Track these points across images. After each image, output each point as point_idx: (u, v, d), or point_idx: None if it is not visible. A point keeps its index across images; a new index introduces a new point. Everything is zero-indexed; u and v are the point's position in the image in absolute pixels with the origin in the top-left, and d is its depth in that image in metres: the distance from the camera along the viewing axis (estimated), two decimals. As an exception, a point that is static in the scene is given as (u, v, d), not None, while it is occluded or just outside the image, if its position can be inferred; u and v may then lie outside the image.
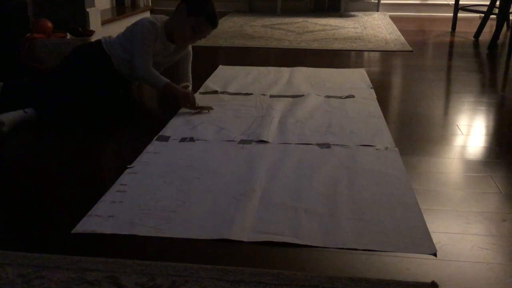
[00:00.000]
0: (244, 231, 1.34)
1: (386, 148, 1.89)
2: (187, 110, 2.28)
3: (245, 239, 1.31)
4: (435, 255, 1.25)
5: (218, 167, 1.74)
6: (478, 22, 4.19)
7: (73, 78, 2.31)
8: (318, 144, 1.92)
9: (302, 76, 2.92)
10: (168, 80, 2.31)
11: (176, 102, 2.32)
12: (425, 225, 1.37)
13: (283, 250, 1.28)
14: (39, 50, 3.00)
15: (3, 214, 1.47)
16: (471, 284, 1.15)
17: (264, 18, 5.17)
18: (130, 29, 2.37)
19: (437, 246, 1.28)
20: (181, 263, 1.20)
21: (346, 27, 4.66)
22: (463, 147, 1.97)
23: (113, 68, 2.38)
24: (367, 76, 2.93)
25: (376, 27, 4.67)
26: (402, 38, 4.14)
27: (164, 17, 2.40)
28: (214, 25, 2.34)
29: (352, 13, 5.53)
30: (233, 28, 4.58)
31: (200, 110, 2.28)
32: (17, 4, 3.13)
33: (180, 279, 1.14)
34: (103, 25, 3.58)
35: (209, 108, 2.29)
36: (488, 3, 4.16)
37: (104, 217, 1.42)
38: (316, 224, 1.38)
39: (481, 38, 4.12)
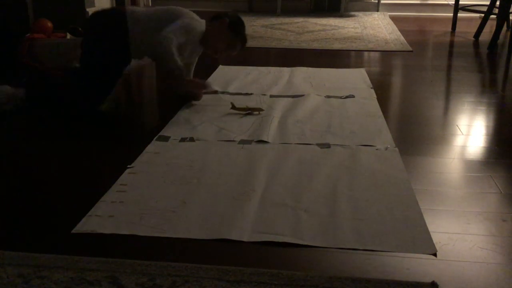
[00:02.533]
0: (244, 231, 1.34)
1: (386, 148, 1.89)
2: (235, 111, 2.27)
3: (245, 239, 1.31)
4: (435, 255, 1.25)
5: (218, 167, 1.74)
6: (478, 22, 4.19)
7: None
8: (318, 144, 1.92)
9: (302, 76, 2.92)
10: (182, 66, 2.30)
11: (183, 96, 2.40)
12: (425, 225, 1.37)
13: (283, 250, 1.28)
14: (39, 50, 3.00)
15: (3, 214, 1.47)
16: (471, 284, 1.15)
17: (264, 18, 5.17)
18: (171, 16, 2.33)
19: (437, 246, 1.28)
20: (181, 263, 1.20)
21: (346, 27, 4.66)
22: (463, 147, 1.97)
23: (127, 47, 2.33)
24: (367, 76, 2.93)
25: (376, 27, 4.67)
26: (402, 38, 4.14)
27: (204, 22, 2.44)
28: (242, 47, 2.52)
29: (352, 13, 5.53)
30: (233, 28, 4.58)
31: (250, 111, 2.26)
32: (17, 4, 3.13)
33: (180, 279, 1.14)
34: (103, 25, 3.58)
35: (260, 110, 2.27)
36: (488, 3, 4.16)
37: (104, 217, 1.42)
38: (316, 224, 1.38)
39: (481, 38, 4.12)
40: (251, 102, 2.40)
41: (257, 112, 2.26)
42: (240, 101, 2.40)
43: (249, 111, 2.26)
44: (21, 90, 2.28)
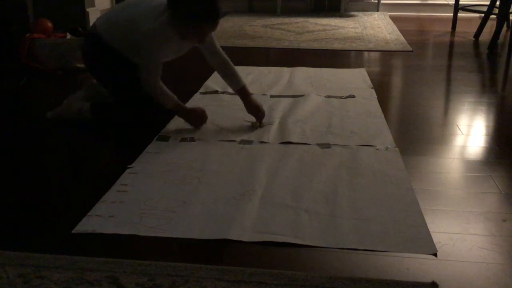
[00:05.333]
0: (244, 231, 1.34)
1: (387, 148, 1.89)
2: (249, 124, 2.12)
3: (245, 239, 1.31)
4: (435, 255, 1.25)
5: (218, 167, 1.74)
6: (478, 22, 4.19)
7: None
8: (318, 144, 1.92)
9: (303, 76, 2.92)
10: (177, 101, 2.06)
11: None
12: (426, 225, 1.37)
13: (283, 250, 1.28)
14: (39, 50, 3.00)
15: (3, 214, 1.47)
16: (471, 284, 1.15)
17: (264, 18, 5.17)
18: (135, 29, 2.01)
19: (437, 246, 1.28)
20: (181, 263, 1.20)
21: (346, 27, 4.66)
22: (463, 147, 1.97)
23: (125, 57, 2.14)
24: (367, 76, 2.93)
25: (376, 27, 4.67)
26: (402, 38, 4.14)
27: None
28: (213, 21, 1.92)
29: (352, 13, 5.53)
30: (233, 28, 4.58)
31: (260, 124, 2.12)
32: (17, 4, 3.13)
33: (180, 279, 1.14)
34: (103, 25, 3.58)
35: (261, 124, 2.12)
36: (488, 3, 4.16)
37: (105, 217, 1.42)
38: (317, 224, 1.38)
39: (481, 38, 4.12)
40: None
41: (258, 124, 2.11)
42: (241, 101, 2.39)
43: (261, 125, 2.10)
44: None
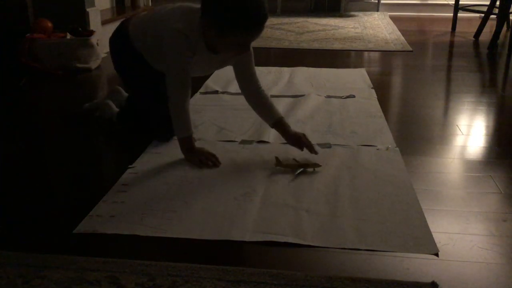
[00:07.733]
0: (245, 231, 1.34)
1: (387, 148, 1.89)
2: (282, 168, 1.72)
3: (246, 239, 1.31)
4: (437, 255, 1.25)
5: (219, 167, 1.74)
6: (478, 22, 4.19)
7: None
8: (319, 144, 1.92)
9: (303, 76, 2.92)
10: (190, 135, 1.79)
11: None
12: (427, 225, 1.37)
13: (283, 250, 1.28)
14: (39, 50, 3.00)
15: (3, 214, 1.47)
16: (471, 284, 1.15)
17: (264, 18, 5.17)
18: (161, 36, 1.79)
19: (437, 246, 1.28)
20: (181, 263, 1.20)
21: (346, 27, 4.66)
22: (463, 147, 1.97)
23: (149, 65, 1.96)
24: (367, 76, 2.93)
25: (376, 27, 4.67)
26: (402, 38, 4.14)
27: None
28: (259, 30, 1.70)
29: (352, 13, 5.53)
30: (233, 28, 4.58)
31: (304, 169, 1.69)
32: (17, 4, 3.13)
33: (180, 279, 1.14)
34: (103, 25, 3.58)
35: (316, 165, 1.71)
36: (488, 3, 4.16)
37: (106, 217, 1.42)
38: (318, 224, 1.38)
39: (481, 38, 4.12)
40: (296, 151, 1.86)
41: (311, 169, 1.70)
42: (241, 101, 2.38)
43: (302, 170, 1.69)
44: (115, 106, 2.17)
